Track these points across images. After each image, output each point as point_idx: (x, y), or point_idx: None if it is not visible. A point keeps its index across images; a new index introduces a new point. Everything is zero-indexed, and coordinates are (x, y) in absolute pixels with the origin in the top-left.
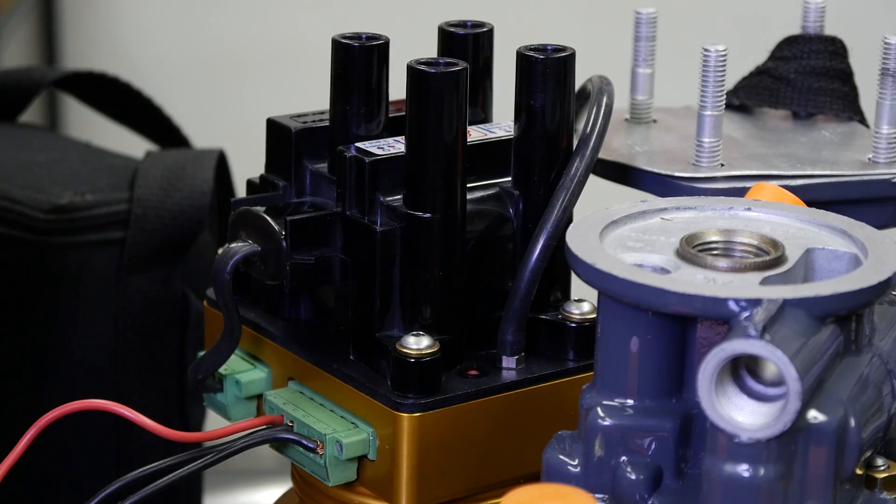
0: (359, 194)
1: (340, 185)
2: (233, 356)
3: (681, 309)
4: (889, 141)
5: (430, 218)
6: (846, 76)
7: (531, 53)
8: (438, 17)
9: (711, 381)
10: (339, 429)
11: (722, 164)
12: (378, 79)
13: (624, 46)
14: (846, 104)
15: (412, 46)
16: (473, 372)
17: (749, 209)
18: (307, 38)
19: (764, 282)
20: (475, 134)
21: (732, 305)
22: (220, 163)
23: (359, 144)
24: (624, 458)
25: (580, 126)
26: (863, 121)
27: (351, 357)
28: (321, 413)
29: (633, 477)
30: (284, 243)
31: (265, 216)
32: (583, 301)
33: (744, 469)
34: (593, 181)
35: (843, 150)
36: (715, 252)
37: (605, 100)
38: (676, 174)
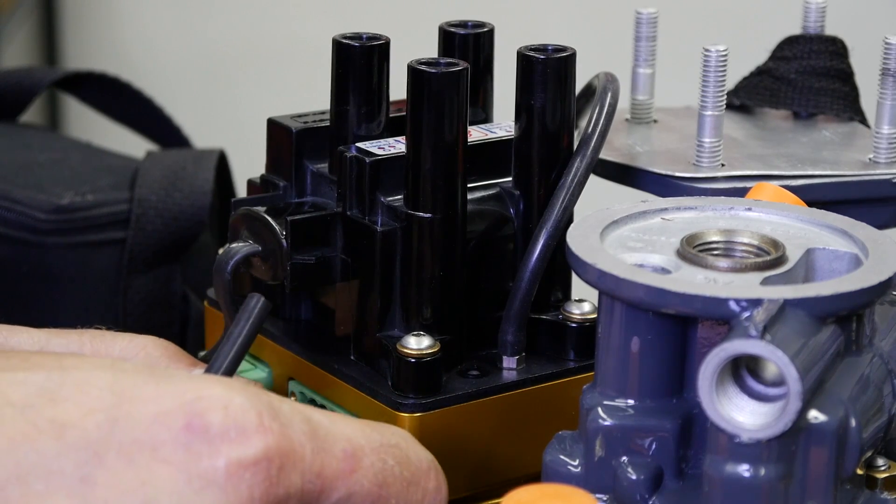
0: (359, 194)
1: (341, 185)
2: None
3: (681, 309)
4: (890, 141)
5: (430, 218)
6: (847, 76)
7: (532, 53)
8: (439, 17)
9: (712, 382)
10: None
11: (722, 165)
12: (379, 79)
13: (625, 46)
14: (847, 104)
15: (413, 46)
16: (474, 372)
17: (750, 209)
18: (308, 39)
19: (764, 282)
20: (476, 134)
21: (733, 305)
22: (221, 163)
23: (359, 144)
24: (624, 458)
25: (583, 124)
26: (863, 121)
27: (351, 357)
28: None
29: (634, 477)
30: (285, 243)
31: (266, 216)
32: (583, 301)
33: (744, 469)
34: (594, 181)
35: (844, 150)
36: (715, 252)
37: (608, 99)
38: (677, 174)
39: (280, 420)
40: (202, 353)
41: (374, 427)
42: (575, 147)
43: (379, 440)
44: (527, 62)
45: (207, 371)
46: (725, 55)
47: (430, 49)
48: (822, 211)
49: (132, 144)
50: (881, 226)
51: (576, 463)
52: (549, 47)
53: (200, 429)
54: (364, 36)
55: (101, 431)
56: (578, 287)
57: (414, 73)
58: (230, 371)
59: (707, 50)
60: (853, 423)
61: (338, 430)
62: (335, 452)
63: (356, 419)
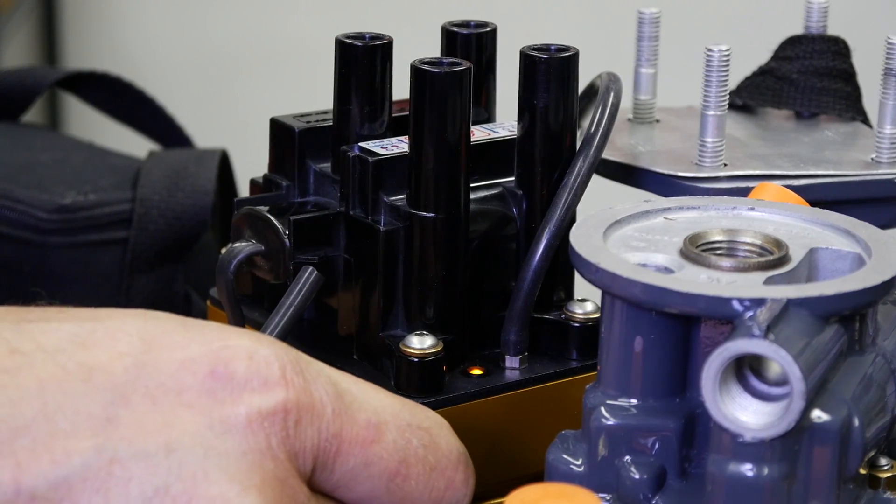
0: (362, 194)
1: (344, 184)
2: None
3: (684, 308)
4: (892, 141)
5: (433, 217)
6: (849, 76)
7: (534, 53)
8: (442, 16)
9: (715, 381)
10: None
11: (725, 164)
12: (381, 78)
13: (627, 46)
14: (849, 104)
15: (415, 46)
16: (477, 371)
17: (752, 209)
18: (310, 38)
19: (767, 281)
20: (478, 134)
21: (736, 305)
22: (223, 163)
23: (362, 144)
24: (627, 457)
25: (586, 124)
26: (865, 121)
27: (354, 357)
28: None
29: (637, 476)
30: (288, 243)
31: (268, 216)
32: (586, 301)
33: (748, 469)
34: (596, 181)
35: (846, 150)
36: (718, 252)
37: (611, 99)
38: (680, 174)
39: (304, 376)
40: None
41: (407, 406)
42: (578, 147)
43: (408, 420)
44: (529, 62)
45: None
46: (728, 55)
47: (432, 49)
48: (825, 211)
49: (134, 144)
50: (884, 225)
51: (579, 462)
52: (552, 47)
53: (225, 376)
54: (367, 35)
55: (128, 375)
56: (581, 286)
57: (417, 72)
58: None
59: (709, 50)
60: (856, 422)
61: (365, 400)
62: (357, 419)
63: (393, 395)
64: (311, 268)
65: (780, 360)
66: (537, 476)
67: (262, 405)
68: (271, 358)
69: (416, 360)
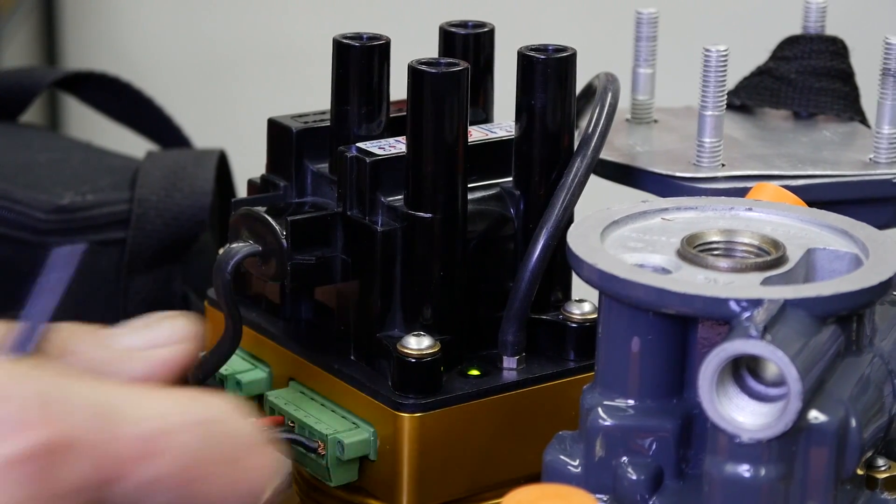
0: (360, 194)
1: (341, 185)
2: (234, 356)
3: (682, 309)
4: (890, 141)
5: (430, 218)
6: (847, 76)
7: (532, 53)
8: (439, 17)
9: (712, 382)
10: (341, 429)
11: (723, 165)
12: (379, 79)
13: (625, 46)
14: (847, 104)
15: (413, 46)
16: (474, 372)
17: (750, 209)
18: (308, 39)
19: (765, 282)
20: (476, 134)
21: (733, 306)
22: (221, 163)
23: (360, 145)
24: (625, 458)
25: (584, 124)
26: (864, 121)
27: (352, 357)
28: (322, 413)
29: (634, 477)
30: (285, 243)
31: (266, 216)
32: (584, 301)
33: (745, 469)
34: (594, 181)
35: (844, 150)
36: (716, 252)
37: (608, 99)
38: (677, 174)
39: (60, 408)
40: (203, 353)
41: (198, 402)
42: (575, 147)
43: (199, 417)
44: (527, 62)
45: (17, 332)
46: (726, 55)
47: (430, 49)
48: (823, 211)
49: (132, 144)
50: (881, 226)
51: (576, 463)
52: (550, 47)
53: None
54: (364, 36)
55: None
56: (579, 287)
57: (414, 73)
58: (39, 330)
59: (707, 50)
60: (853, 423)
61: (142, 411)
62: (132, 435)
63: (183, 392)
64: (66, 249)
65: (776, 360)
66: (535, 477)
67: (11, 452)
68: (18, 397)
69: (413, 360)
